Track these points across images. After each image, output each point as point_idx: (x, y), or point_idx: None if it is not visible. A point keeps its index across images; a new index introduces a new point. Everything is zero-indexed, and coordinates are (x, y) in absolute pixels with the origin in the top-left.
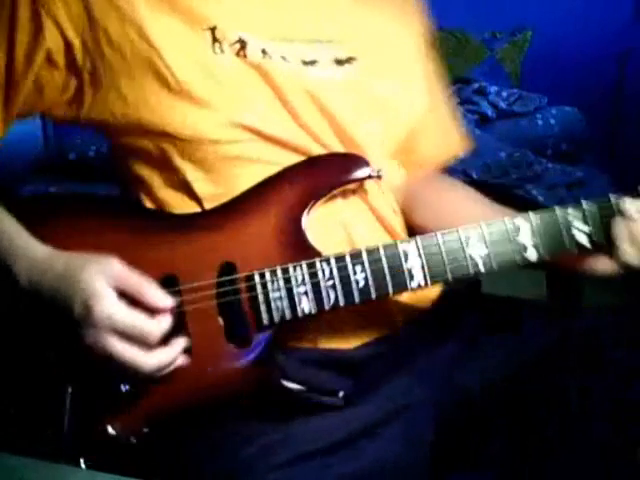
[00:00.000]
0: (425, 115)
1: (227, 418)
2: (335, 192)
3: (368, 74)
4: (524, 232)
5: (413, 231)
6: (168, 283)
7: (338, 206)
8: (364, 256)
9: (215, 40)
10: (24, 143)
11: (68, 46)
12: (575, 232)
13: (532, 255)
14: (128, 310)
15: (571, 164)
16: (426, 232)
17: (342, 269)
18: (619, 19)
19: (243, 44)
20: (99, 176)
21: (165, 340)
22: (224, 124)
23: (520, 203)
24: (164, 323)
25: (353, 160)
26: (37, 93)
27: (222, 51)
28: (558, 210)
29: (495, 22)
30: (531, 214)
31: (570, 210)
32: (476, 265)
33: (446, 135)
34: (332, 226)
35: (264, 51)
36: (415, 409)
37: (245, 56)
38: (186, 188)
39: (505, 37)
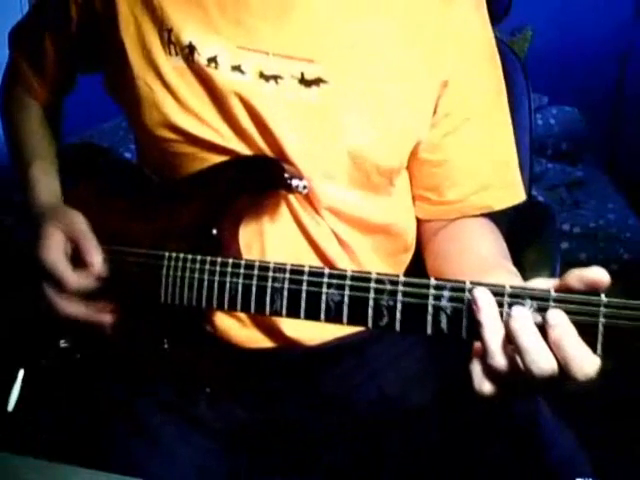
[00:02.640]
0: (456, 157)
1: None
2: (255, 197)
3: (336, 103)
4: None
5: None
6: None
7: (260, 213)
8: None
9: (170, 42)
10: None
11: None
12: None
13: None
14: (60, 257)
15: (571, 164)
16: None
17: (221, 274)
18: (620, 19)
19: (192, 49)
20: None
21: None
22: (161, 123)
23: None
24: (83, 279)
25: (266, 167)
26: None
27: (176, 53)
28: None
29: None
30: None
31: None
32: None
33: (482, 185)
34: (250, 233)
35: (212, 59)
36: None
37: (192, 61)
38: (146, 164)
39: (505, 37)
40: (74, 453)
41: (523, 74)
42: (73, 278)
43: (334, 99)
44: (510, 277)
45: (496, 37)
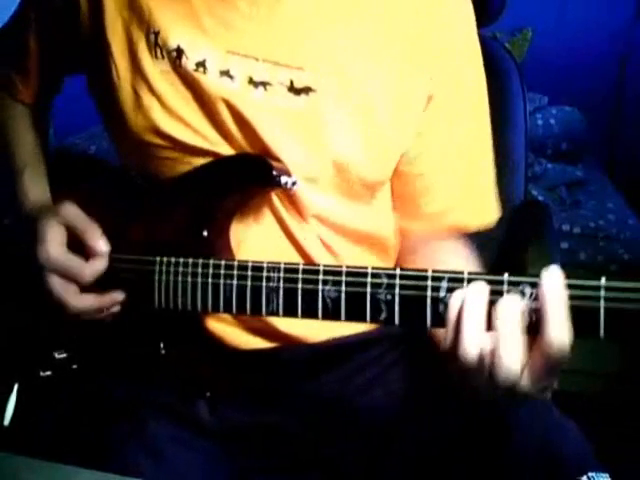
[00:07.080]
0: (432, 172)
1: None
2: (243, 196)
3: (324, 112)
4: None
5: None
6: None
7: (244, 217)
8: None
9: (157, 45)
10: None
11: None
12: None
13: None
14: (65, 251)
15: (571, 164)
16: None
17: (214, 276)
18: (620, 19)
19: (180, 53)
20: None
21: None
22: (146, 129)
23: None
24: (97, 266)
25: (253, 164)
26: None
27: (162, 57)
28: None
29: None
30: None
31: None
32: None
33: (459, 201)
34: (233, 237)
35: (201, 63)
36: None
37: (180, 66)
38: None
39: (505, 37)
40: (74, 458)
41: (518, 74)
42: (87, 268)
43: (322, 108)
44: None
45: (491, 37)
